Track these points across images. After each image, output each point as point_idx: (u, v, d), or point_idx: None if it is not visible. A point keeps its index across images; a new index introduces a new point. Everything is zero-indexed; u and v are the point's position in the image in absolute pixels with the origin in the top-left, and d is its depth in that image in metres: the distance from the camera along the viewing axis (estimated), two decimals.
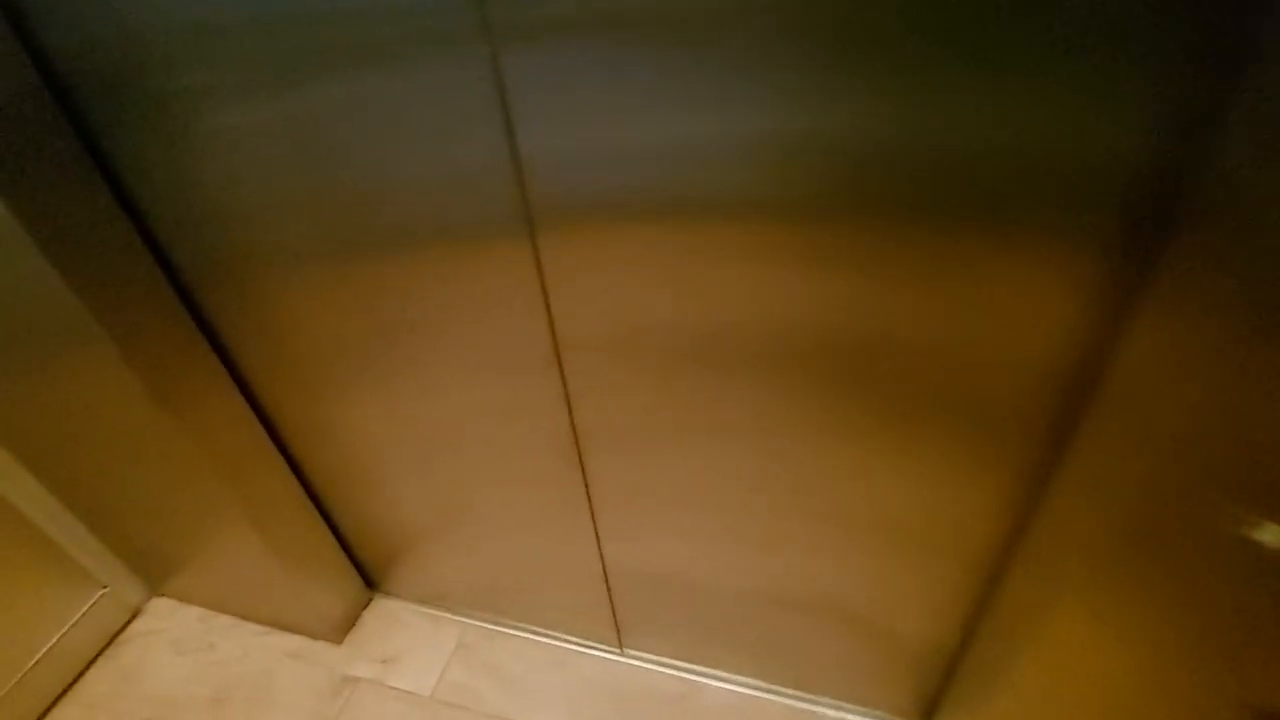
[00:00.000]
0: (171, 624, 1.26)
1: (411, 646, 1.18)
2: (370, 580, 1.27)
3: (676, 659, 1.12)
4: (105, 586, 1.23)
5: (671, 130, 0.53)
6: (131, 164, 0.72)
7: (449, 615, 1.22)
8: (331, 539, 1.17)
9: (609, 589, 1.05)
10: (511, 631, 1.19)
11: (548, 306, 0.68)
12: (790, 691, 1.07)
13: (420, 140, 0.60)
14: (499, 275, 0.68)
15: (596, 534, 0.94)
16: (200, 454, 0.90)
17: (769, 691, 1.07)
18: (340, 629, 1.21)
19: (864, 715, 1.03)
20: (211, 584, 1.22)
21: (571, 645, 1.16)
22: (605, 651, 1.15)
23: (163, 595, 1.31)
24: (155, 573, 1.26)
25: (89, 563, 1.19)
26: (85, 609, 1.20)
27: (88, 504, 1.11)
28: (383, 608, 1.25)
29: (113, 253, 0.76)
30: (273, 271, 0.77)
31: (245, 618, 1.25)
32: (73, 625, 1.18)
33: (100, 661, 1.21)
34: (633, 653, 1.14)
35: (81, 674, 1.19)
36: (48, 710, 1.14)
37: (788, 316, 0.62)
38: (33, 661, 1.12)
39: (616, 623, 1.11)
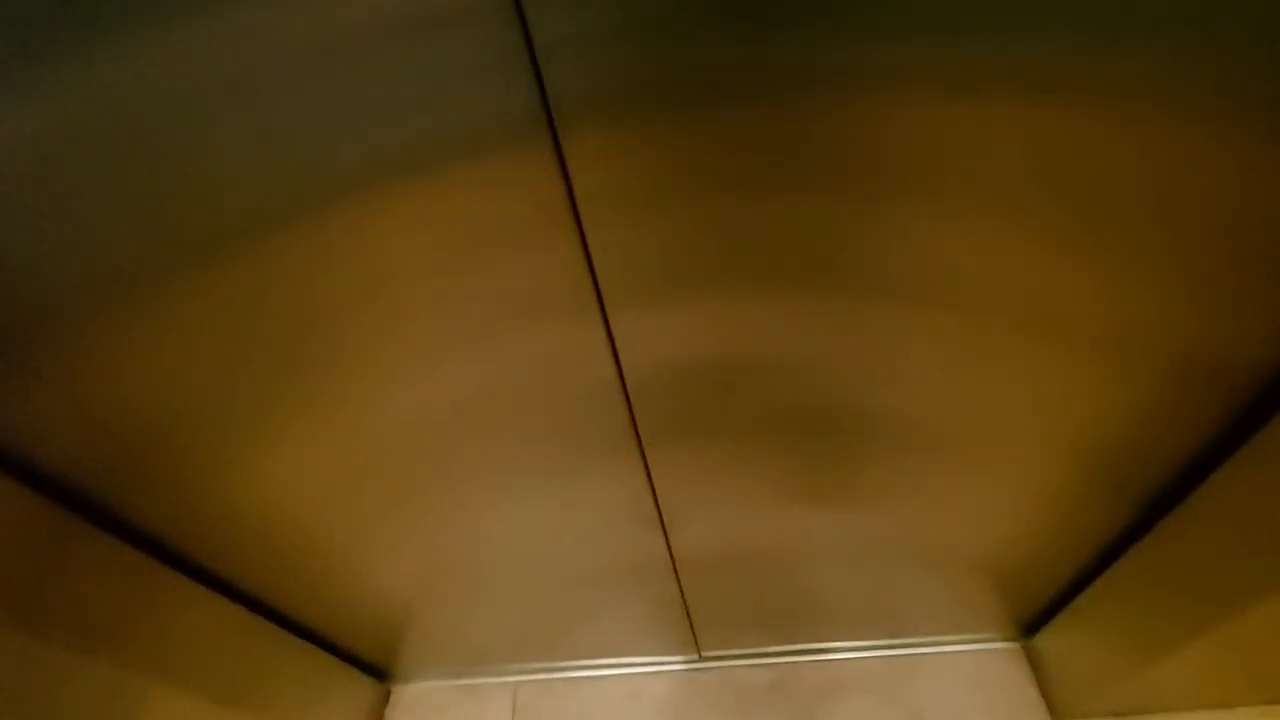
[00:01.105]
0: None
1: None
2: (380, 671, 1.05)
3: (761, 646, 1.03)
4: None
5: None
6: None
7: (491, 679, 1.05)
8: (312, 649, 0.93)
9: (680, 586, 0.90)
10: (571, 674, 1.04)
11: (580, 229, 0.46)
12: (884, 643, 1.01)
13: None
14: (501, 201, 0.44)
15: (661, 519, 0.77)
16: (84, 638, 0.64)
17: (863, 651, 1.01)
18: None
19: (967, 644, 1.00)
20: None
21: (644, 668, 1.03)
22: (683, 663, 1.03)
23: None
24: None
25: None
26: None
27: None
28: (409, 697, 1.05)
29: None
30: (104, 319, 0.49)
31: None
32: None
33: None
34: (711, 654, 1.03)
35: None
36: None
37: None
38: None
39: (692, 626, 0.99)
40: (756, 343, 0.54)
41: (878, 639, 1.01)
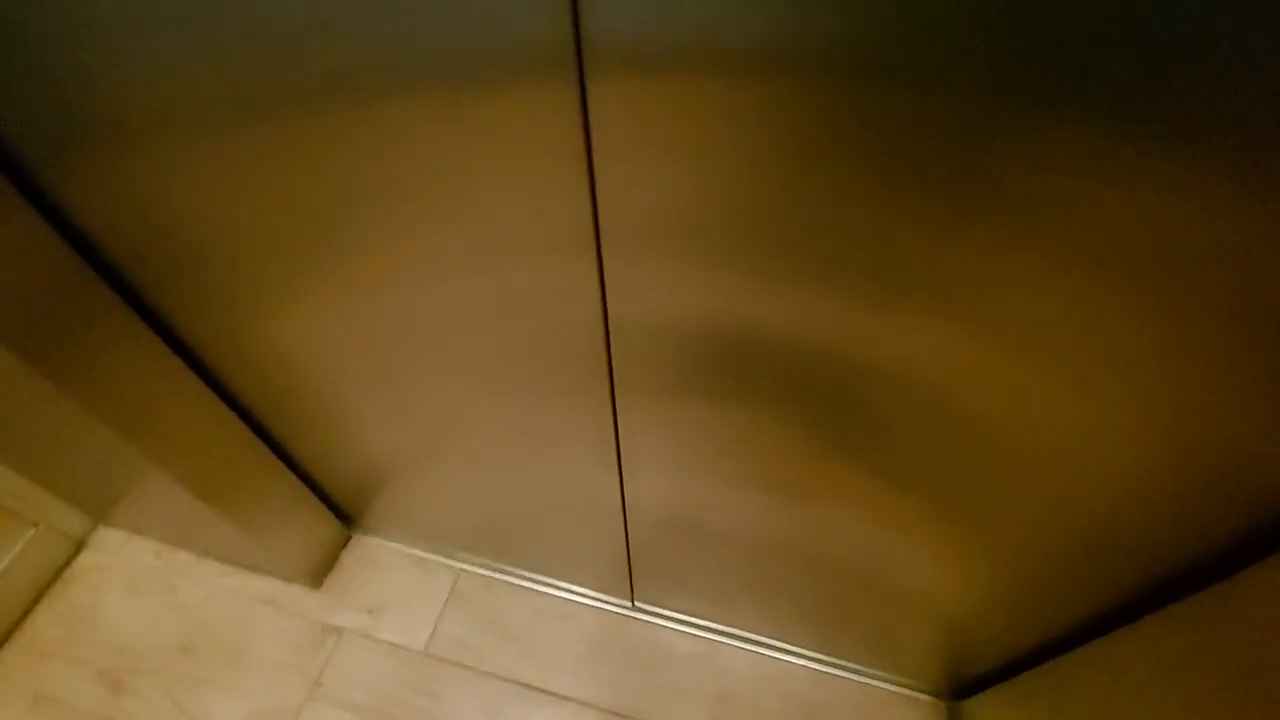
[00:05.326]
0: (123, 560, 1.12)
1: (400, 594, 1.07)
2: (347, 516, 1.12)
3: (692, 616, 1.04)
4: (36, 524, 1.06)
5: None
6: None
7: (440, 558, 1.10)
8: (290, 476, 1.00)
9: (627, 534, 0.92)
10: (512, 579, 1.08)
11: (591, 172, 0.46)
12: (815, 655, 1.00)
13: None
14: (520, 129, 0.44)
15: (620, 465, 0.77)
16: (97, 399, 0.71)
17: (791, 655, 1.01)
18: (317, 572, 1.08)
19: (890, 684, 0.98)
20: (161, 522, 1.06)
21: (578, 597, 1.06)
22: (615, 606, 1.06)
23: (109, 526, 1.16)
24: (95, 507, 1.10)
25: (12, 504, 1.02)
26: (18, 549, 1.05)
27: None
28: (364, 548, 1.13)
29: None
30: (153, 149, 0.52)
31: (207, 555, 1.12)
32: (4, 568, 1.03)
33: (46, 601, 1.07)
34: (644, 608, 1.05)
35: (26, 616, 1.06)
36: None
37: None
38: None
39: (630, 574, 1.01)
40: (753, 319, 0.52)
41: (809, 649, 1.00)
